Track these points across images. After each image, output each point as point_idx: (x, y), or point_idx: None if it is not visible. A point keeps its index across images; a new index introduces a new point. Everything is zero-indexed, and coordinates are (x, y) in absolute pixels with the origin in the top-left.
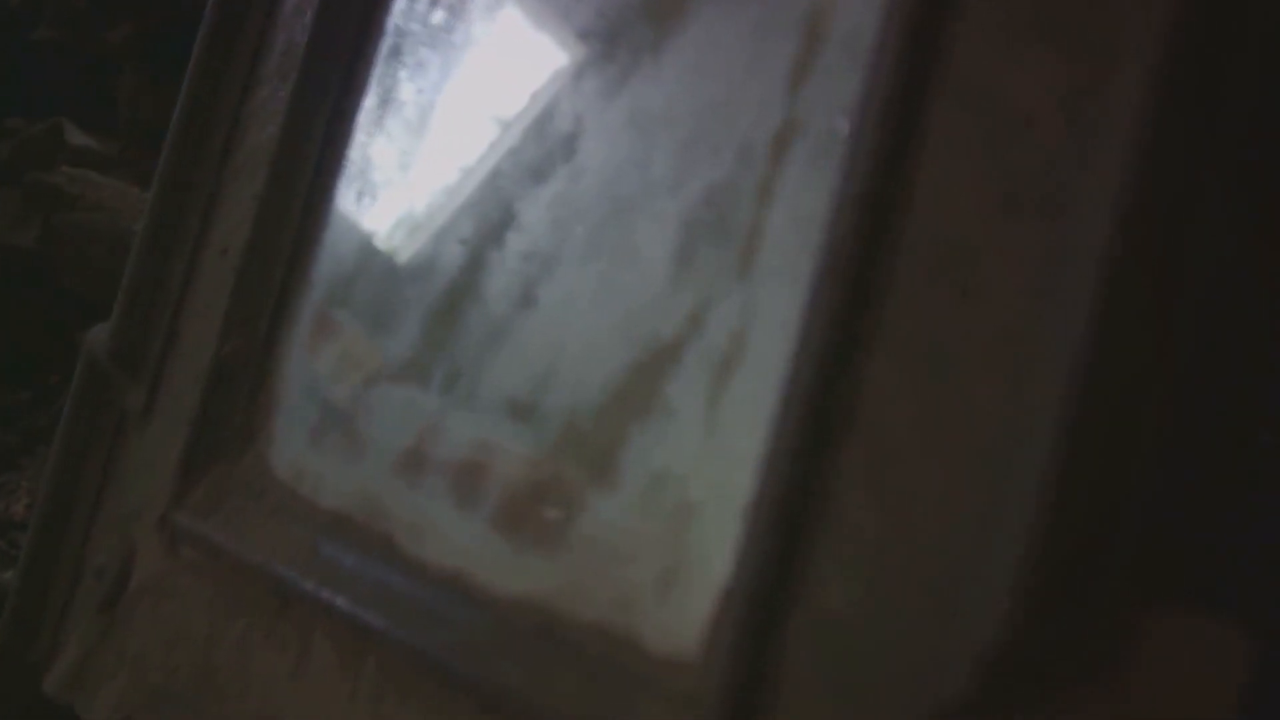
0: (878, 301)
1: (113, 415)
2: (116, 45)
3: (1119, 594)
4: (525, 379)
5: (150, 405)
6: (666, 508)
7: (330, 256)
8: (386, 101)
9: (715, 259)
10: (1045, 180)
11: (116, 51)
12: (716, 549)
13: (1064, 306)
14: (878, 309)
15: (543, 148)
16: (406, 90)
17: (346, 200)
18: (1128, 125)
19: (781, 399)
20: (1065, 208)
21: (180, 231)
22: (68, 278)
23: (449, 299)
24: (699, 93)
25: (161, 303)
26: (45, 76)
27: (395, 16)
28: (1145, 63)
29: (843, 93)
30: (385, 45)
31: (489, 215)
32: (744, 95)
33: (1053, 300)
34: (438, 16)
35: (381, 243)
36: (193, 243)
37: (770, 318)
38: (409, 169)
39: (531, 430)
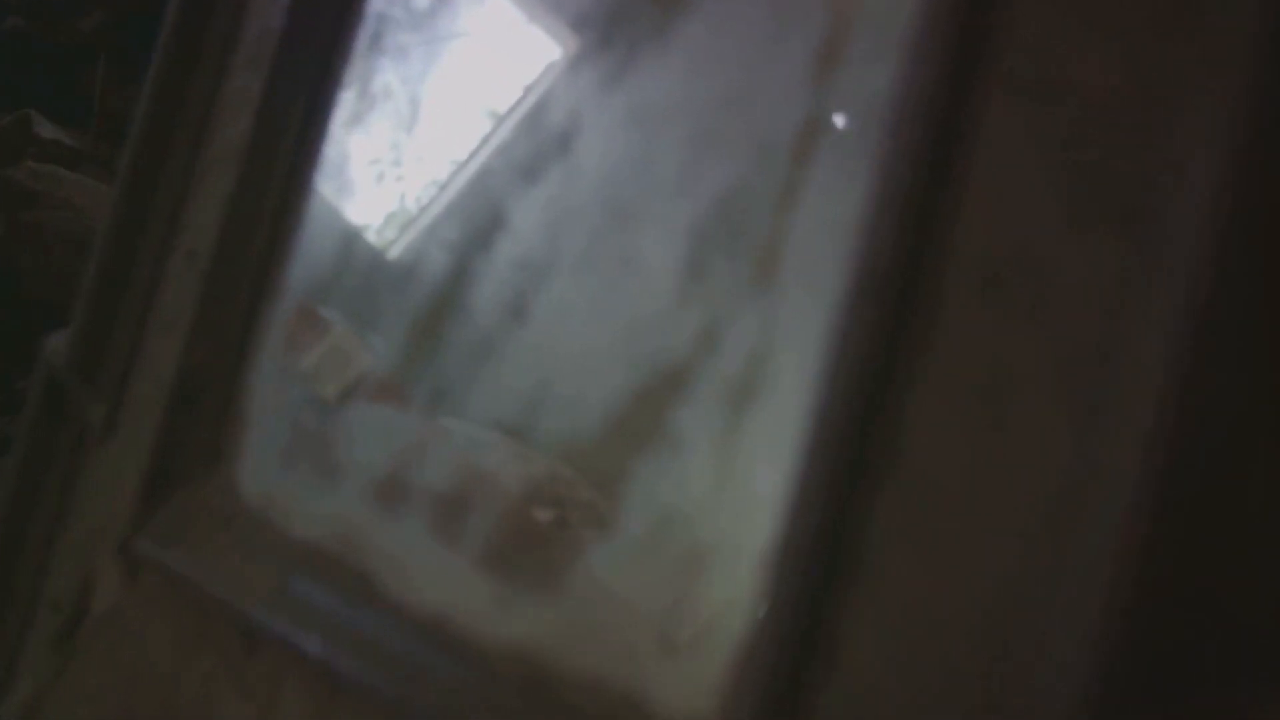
0: (923, 324)
1: (72, 431)
2: (88, 34)
3: (1221, 679)
4: (516, 401)
5: (111, 421)
6: (675, 552)
7: (306, 261)
8: (366, 93)
9: (729, 271)
10: (1121, 183)
11: (89, 41)
12: (733, 601)
13: (1146, 330)
14: (923, 332)
15: (535, 145)
16: (388, 81)
17: (324, 200)
18: (1224, 117)
19: (810, 434)
20: (1146, 215)
21: (145, 233)
22: (30, 280)
23: (433, 310)
24: (709, 84)
25: (124, 310)
26: (14, 67)
27: (376, 1)
28: (1246, 42)
29: (877, 82)
30: (366, 32)
31: (477, 218)
32: (761, 86)
33: (1131, 322)
34: (422, 1)
35: (360, 247)
36: (158, 246)
37: (794, 339)
38: (391, 166)
39: (523, 459)
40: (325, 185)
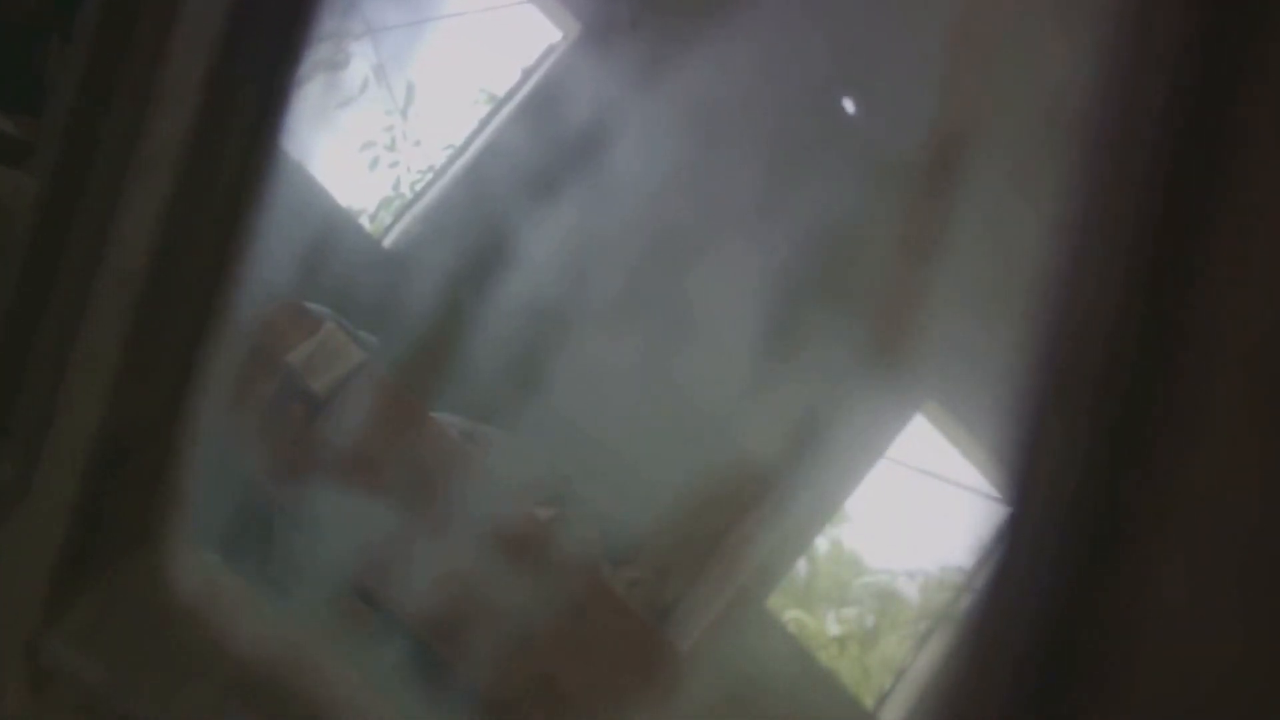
0: (1165, 447)
1: None
2: (35, 10)
3: None
4: (523, 505)
5: (24, 483)
6: None
7: (261, 289)
8: (336, 78)
9: (832, 334)
10: None
11: (36, 17)
12: None
13: None
14: (1165, 460)
15: (548, 150)
16: (365, 62)
17: (283, 213)
18: None
19: (983, 604)
20: None
21: (65, 251)
22: None
23: (414, 364)
24: (795, 75)
25: (39, 346)
26: None
27: None
28: None
29: (1056, 65)
30: (336, 3)
31: (473, 243)
32: (871, 78)
33: None
34: None
35: (328, 273)
36: (81, 266)
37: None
38: (366, 169)
39: (535, 576)
40: (285, 193)
